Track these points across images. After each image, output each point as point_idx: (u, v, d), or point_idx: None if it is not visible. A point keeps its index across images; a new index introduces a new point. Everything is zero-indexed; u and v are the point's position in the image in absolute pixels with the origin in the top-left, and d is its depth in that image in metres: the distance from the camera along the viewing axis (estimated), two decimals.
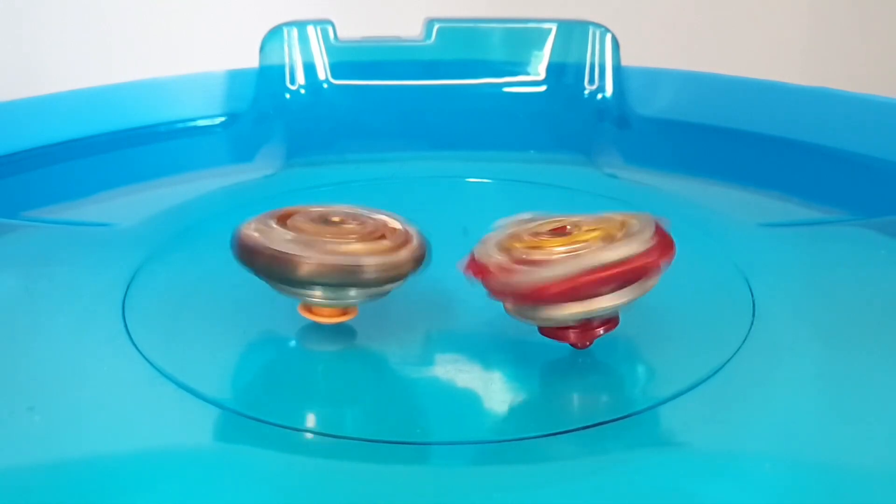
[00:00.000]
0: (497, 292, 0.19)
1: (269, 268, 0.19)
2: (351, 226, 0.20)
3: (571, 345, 0.20)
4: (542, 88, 0.40)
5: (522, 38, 0.40)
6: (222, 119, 0.38)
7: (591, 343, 0.20)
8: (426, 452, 0.18)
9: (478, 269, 0.19)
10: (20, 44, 0.51)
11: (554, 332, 0.20)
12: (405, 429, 0.18)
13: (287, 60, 0.39)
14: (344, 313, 0.21)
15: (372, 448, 0.18)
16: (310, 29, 0.39)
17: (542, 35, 0.40)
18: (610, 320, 0.20)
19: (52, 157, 0.34)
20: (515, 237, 0.20)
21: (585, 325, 0.20)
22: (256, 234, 0.20)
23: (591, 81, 0.40)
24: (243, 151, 0.37)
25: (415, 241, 0.20)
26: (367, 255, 0.19)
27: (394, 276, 0.20)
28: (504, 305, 0.20)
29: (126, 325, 0.22)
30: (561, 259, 0.19)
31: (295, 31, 0.39)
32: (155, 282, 0.24)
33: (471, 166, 0.35)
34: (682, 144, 0.37)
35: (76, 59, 0.52)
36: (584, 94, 0.40)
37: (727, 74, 0.38)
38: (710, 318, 0.23)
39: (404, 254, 0.20)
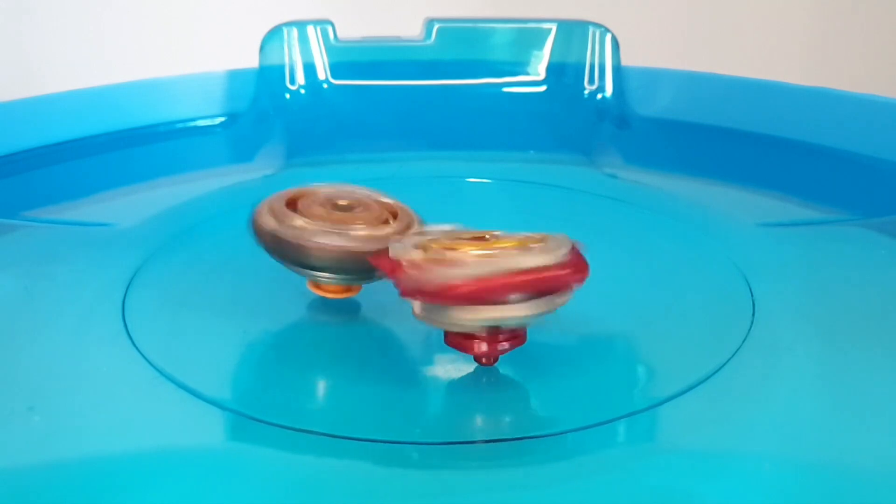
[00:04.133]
0: (406, 289, 0.19)
1: (283, 252, 0.21)
2: (357, 211, 0.22)
3: (476, 358, 0.19)
4: (542, 88, 0.40)
5: (522, 38, 0.40)
6: (222, 119, 0.38)
7: (496, 360, 0.19)
8: (426, 452, 0.18)
9: (390, 265, 0.19)
10: (20, 44, 0.51)
11: (460, 341, 0.19)
12: (405, 429, 0.18)
13: (287, 60, 0.39)
14: (348, 290, 0.22)
15: (372, 448, 0.18)
16: (310, 29, 0.39)
17: (542, 35, 0.40)
18: (517, 336, 0.19)
19: (52, 157, 0.34)
20: (434, 240, 0.20)
21: (492, 338, 0.19)
22: (272, 220, 0.21)
23: (591, 81, 0.40)
24: (243, 151, 0.37)
25: (415, 227, 0.22)
26: (372, 242, 0.21)
27: None
28: (412, 308, 0.19)
29: (126, 325, 0.22)
30: (473, 260, 0.18)
31: (295, 31, 0.39)
32: (155, 282, 0.24)
33: (471, 166, 0.35)
34: (682, 144, 0.37)
35: (76, 59, 0.52)
36: (584, 94, 0.40)
37: (727, 74, 0.38)
38: (710, 318, 0.23)
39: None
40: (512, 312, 0.18)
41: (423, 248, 0.19)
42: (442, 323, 0.19)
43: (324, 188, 0.23)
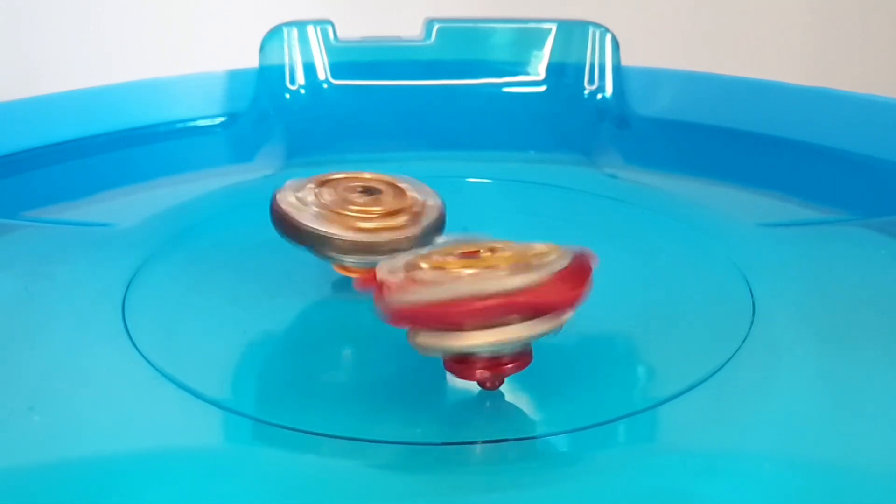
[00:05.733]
0: (383, 310, 0.18)
1: (305, 242, 0.22)
2: (374, 199, 0.23)
3: (479, 383, 0.19)
4: (542, 88, 0.40)
5: (522, 38, 0.40)
6: (222, 119, 0.38)
7: (500, 383, 0.19)
8: (425, 453, 0.18)
9: (372, 285, 0.18)
10: (20, 44, 0.51)
11: (460, 368, 0.18)
12: (405, 429, 0.18)
13: (287, 60, 0.39)
14: (368, 270, 0.23)
15: (372, 448, 0.18)
16: (310, 29, 0.39)
17: (542, 35, 0.40)
18: (521, 357, 0.18)
19: (52, 157, 0.34)
20: (425, 257, 0.19)
21: (494, 362, 0.18)
22: (292, 210, 0.22)
23: (591, 81, 0.40)
24: (243, 151, 0.37)
25: (431, 213, 0.23)
26: (387, 232, 0.22)
27: (410, 246, 0.22)
28: (408, 337, 0.18)
29: (126, 325, 0.22)
30: (433, 282, 0.17)
31: (295, 31, 0.39)
32: (155, 282, 0.24)
33: (471, 166, 0.35)
34: (682, 144, 0.37)
35: (76, 59, 0.52)
36: (584, 94, 0.40)
37: (727, 74, 0.38)
38: (710, 318, 0.23)
39: (420, 228, 0.23)
40: (475, 340, 0.17)
41: (411, 266, 0.18)
42: (428, 348, 0.18)
43: (338, 176, 0.24)
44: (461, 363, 0.18)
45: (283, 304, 0.23)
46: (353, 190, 0.23)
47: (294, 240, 0.22)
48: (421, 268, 0.18)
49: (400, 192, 0.24)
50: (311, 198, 0.23)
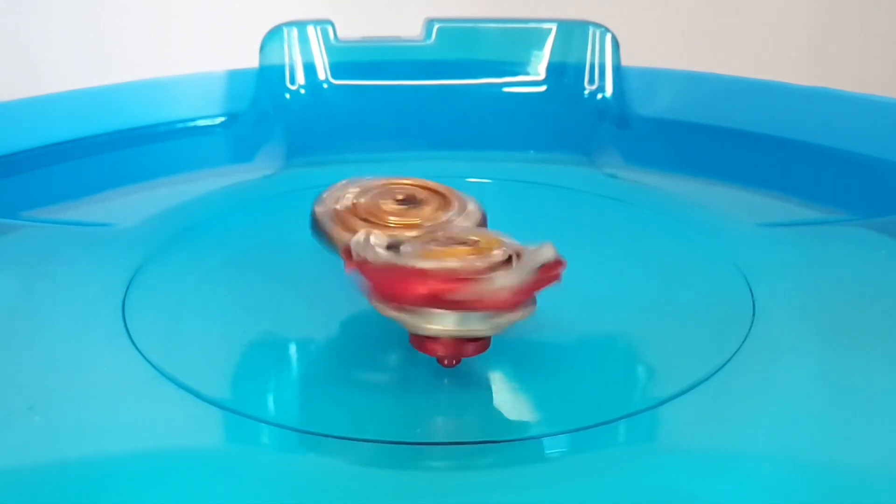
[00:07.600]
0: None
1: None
2: (414, 209, 0.22)
3: (438, 360, 0.19)
4: (542, 88, 0.40)
5: (522, 38, 0.40)
6: (222, 119, 0.38)
7: (458, 362, 0.19)
8: (426, 452, 0.18)
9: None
10: (20, 44, 0.51)
11: (423, 342, 0.19)
12: (405, 429, 0.18)
13: (287, 60, 0.39)
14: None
15: (372, 448, 0.18)
16: (310, 29, 0.39)
17: (542, 35, 0.40)
18: (480, 340, 0.19)
19: (52, 157, 0.34)
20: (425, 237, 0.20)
21: (457, 340, 0.19)
22: (343, 232, 0.22)
23: (591, 81, 0.40)
24: (243, 151, 0.37)
25: (470, 220, 0.22)
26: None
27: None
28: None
29: (126, 325, 0.22)
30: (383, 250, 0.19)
31: (295, 31, 0.39)
32: (155, 282, 0.24)
33: (471, 166, 0.34)
34: (682, 144, 0.37)
35: (76, 59, 0.52)
36: (584, 94, 0.40)
37: (727, 74, 0.38)
38: (710, 318, 0.23)
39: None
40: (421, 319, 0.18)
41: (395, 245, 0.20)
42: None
43: (372, 185, 0.23)
44: (423, 340, 0.19)
45: (283, 303, 0.23)
46: (393, 199, 0.23)
47: (334, 251, 0.22)
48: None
49: (442, 200, 0.23)
50: (350, 206, 0.22)
